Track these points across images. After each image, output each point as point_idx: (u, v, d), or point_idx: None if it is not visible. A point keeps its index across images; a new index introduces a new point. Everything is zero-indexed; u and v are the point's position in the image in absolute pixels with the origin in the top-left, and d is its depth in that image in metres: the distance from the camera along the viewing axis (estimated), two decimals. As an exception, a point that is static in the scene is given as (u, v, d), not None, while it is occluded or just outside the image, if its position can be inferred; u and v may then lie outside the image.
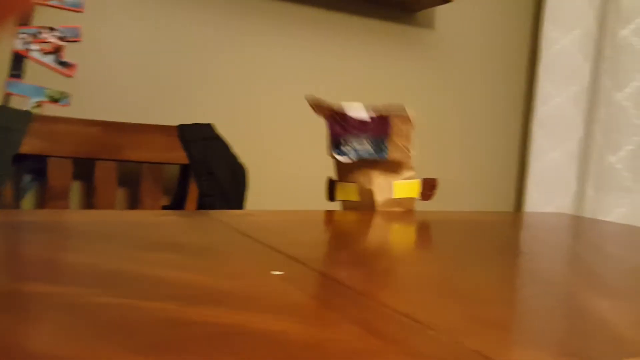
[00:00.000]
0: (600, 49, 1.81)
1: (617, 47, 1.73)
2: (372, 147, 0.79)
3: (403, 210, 0.84)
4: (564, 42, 1.86)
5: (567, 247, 0.65)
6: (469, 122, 2.02)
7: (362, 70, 1.79)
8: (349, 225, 0.67)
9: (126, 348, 0.24)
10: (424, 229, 0.70)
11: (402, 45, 1.86)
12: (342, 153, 0.80)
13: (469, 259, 0.52)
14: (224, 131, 1.57)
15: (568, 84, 1.86)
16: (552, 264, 0.53)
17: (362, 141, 0.79)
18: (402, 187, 0.83)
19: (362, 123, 0.79)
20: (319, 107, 0.81)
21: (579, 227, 0.84)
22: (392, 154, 0.80)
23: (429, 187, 0.87)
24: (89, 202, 1.43)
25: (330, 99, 1.74)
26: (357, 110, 0.79)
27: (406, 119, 0.80)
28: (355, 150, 0.80)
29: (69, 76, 1.42)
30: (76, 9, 1.41)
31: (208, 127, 1.44)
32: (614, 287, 0.43)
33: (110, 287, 0.33)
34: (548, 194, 1.89)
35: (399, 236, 0.63)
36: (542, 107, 1.89)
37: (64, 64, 1.42)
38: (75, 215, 0.58)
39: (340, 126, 0.79)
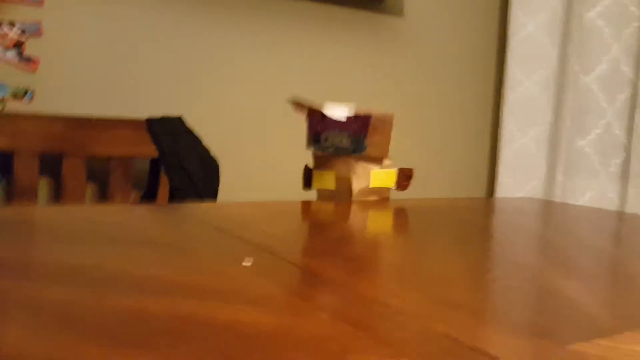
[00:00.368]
0: (567, 32, 1.83)
1: (583, 30, 1.75)
2: (351, 144, 0.79)
3: (377, 199, 0.84)
4: (530, 27, 1.88)
5: (537, 231, 0.65)
6: (439, 109, 2.03)
7: (331, 59, 1.78)
8: (320, 215, 0.67)
9: (90, 342, 0.23)
10: (396, 217, 0.70)
11: (370, 33, 1.86)
12: (320, 149, 0.80)
13: (440, 245, 0.52)
14: (194, 124, 1.55)
15: (536, 69, 1.88)
16: (522, 247, 0.53)
17: (341, 139, 0.79)
18: (379, 176, 0.83)
19: (341, 122, 0.79)
20: (300, 107, 0.81)
21: (549, 211, 0.85)
22: (371, 151, 0.80)
23: (404, 178, 0.87)
24: (57, 198, 1.40)
25: (299, 87, 1.73)
26: (338, 111, 0.78)
27: (387, 120, 0.80)
28: (334, 145, 0.80)
29: (32, 72, 1.39)
30: (36, 3, 1.37)
31: (177, 120, 1.42)
32: (583, 268, 0.44)
33: (75, 283, 0.32)
34: (519, 179, 1.92)
35: (370, 225, 0.63)
36: (511, 93, 1.91)
37: (26, 59, 1.38)
38: (40, 212, 0.57)
39: (320, 124, 0.79)
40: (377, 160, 0.82)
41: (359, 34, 1.83)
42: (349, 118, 0.78)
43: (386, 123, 0.80)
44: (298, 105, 0.80)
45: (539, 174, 1.92)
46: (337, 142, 0.79)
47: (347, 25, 1.80)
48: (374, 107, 1.86)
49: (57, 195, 1.41)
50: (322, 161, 0.83)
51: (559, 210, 0.87)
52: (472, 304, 0.32)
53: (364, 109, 0.80)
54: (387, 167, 0.84)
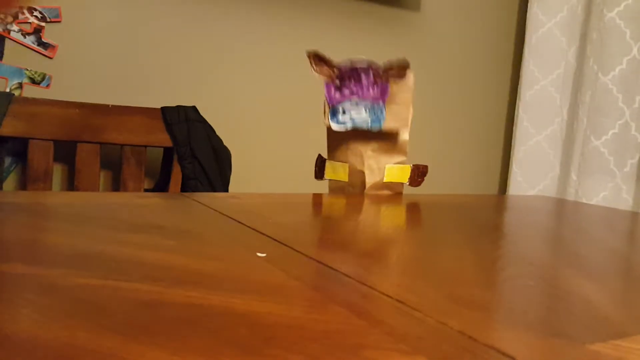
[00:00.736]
0: (586, 31, 1.81)
1: (603, 30, 1.73)
2: (368, 114, 0.78)
3: (390, 194, 0.84)
4: (550, 25, 1.86)
5: (551, 230, 0.65)
6: (454, 106, 2.02)
7: (347, 53, 1.78)
8: (334, 208, 0.67)
9: (104, 328, 0.23)
10: (410, 212, 0.70)
11: (387, 28, 1.85)
12: (338, 122, 0.78)
13: (454, 241, 0.52)
14: (207, 114, 1.55)
15: (553, 68, 1.86)
16: (536, 246, 0.53)
17: (359, 109, 0.78)
18: (393, 172, 0.83)
19: (360, 88, 0.77)
20: (319, 61, 0.79)
21: (562, 209, 0.85)
22: (389, 123, 0.78)
23: (419, 174, 0.87)
24: (71, 184, 1.41)
25: (312, 80, 1.72)
26: (359, 64, 0.77)
27: (407, 83, 0.78)
28: (352, 119, 0.78)
29: (49, 57, 1.39)
30: (56, -13, 1.38)
31: (192, 109, 1.42)
32: (598, 269, 0.44)
33: (90, 268, 0.32)
34: (532, 177, 1.90)
35: (384, 219, 0.63)
36: (527, 91, 1.89)
37: (44, 44, 1.39)
38: (55, 197, 0.57)
39: (338, 92, 0.78)
40: (395, 134, 0.81)
41: (375, 28, 1.82)
42: (367, 82, 0.77)
43: (406, 87, 0.78)
44: (317, 59, 0.78)
45: (552, 172, 1.90)
46: (354, 115, 0.78)
47: (363, 19, 1.79)
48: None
49: (71, 181, 1.42)
50: (336, 146, 0.83)
51: (573, 209, 0.86)
52: (487, 302, 0.32)
53: (383, 67, 0.77)
54: (402, 162, 0.84)
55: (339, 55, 1.77)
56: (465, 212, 0.73)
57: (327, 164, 0.84)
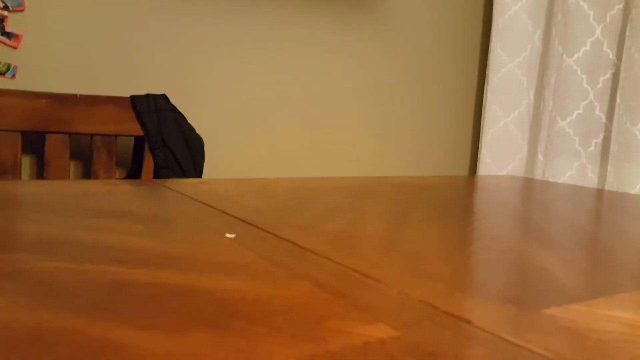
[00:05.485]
0: (551, 14, 1.84)
1: (567, 12, 1.76)
2: None
3: (363, 177, 0.85)
4: (516, 9, 1.88)
5: (517, 207, 0.67)
6: (423, 90, 2.03)
7: (313, 37, 1.77)
8: (303, 191, 0.67)
9: (70, 309, 0.23)
10: (379, 193, 0.71)
11: (355, 11, 1.85)
12: None
13: (422, 220, 0.53)
14: (178, 102, 1.54)
15: (520, 51, 1.89)
16: (502, 223, 0.54)
17: None
18: None
19: None
20: None
21: (529, 188, 0.87)
22: None
23: None
24: (40, 176, 1.39)
25: (281, 66, 1.72)
26: None
27: None
28: None
29: (14, 47, 1.36)
30: (17, -25, 1.34)
31: (161, 97, 1.41)
32: (560, 242, 0.45)
33: (55, 253, 0.32)
34: (501, 159, 1.94)
35: (354, 201, 0.64)
36: (495, 74, 1.92)
37: (8, 34, 1.35)
38: (22, 186, 0.57)
39: None
40: None
41: (341, 13, 1.82)
42: None
43: None
44: None
45: (520, 154, 1.94)
46: None
47: (329, 5, 1.79)
48: (356, 87, 1.86)
49: (40, 173, 1.39)
50: None
51: (539, 187, 0.88)
52: (449, 275, 0.33)
53: None
54: None
55: (307, 41, 1.77)
56: (434, 192, 0.74)
57: None
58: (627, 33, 1.63)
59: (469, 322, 0.24)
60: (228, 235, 0.38)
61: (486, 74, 1.98)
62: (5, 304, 0.24)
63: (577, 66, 1.74)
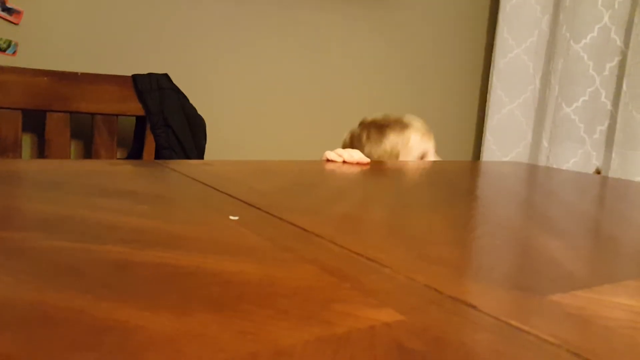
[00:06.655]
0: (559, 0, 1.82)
1: (576, -2, 1.74)
2: None
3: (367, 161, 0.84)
4: (523, -6, 1.86)
5: (521, 193, 0.66)
6: (428, 74, 2.02)
7: (321, 27, 1.76)
8: (308, 174, 0.67)
9: (75, 288, 0.23)
10: (384, 178, 0.70)
11: (363, -5, 1.83)
12: None
13: (427, 205, 0.53)
14: (180, 82, 1.53)
15: (527, 36, 1.87)
16: (506, 208, 0.54)
17: None
18: None
19: None
20: None
21: (533, 174, 0.86)
22: None
23: None
24: (41, 155, 1.39)
25: (285, 48, 1.71)
26: None
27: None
28: None
29: (15, 23, 1.35)
30: (19, -50, 1.32)
31: (164, 77, 1.40)
32: (565, 229, 0.45)
33: (60, 232, 0.32)
34: (505, 145, 1.93)
35: (359, 185, 0.63)
36: (501, 59, 1.90)
37: (9, 10, 1.34)
38: (26, 164, 0.56)
39: None
40: None
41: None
42: None
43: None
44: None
45: (525, 140, 1.93)
46: None
47: (337, -16, 1.77)
48: (361, 70, 1.84)
49: (41, 152, 1.39)
50: None
51: (543, 173, 0.88)
52: (455, 260, 0.33)
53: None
54: None
55: (313, 29, 1.75)
56: (438, 177, 0.74)
57: None
58: (635, 20, 1.61)
59: (474, 307, 0.24)
60: (232, 218, 0.38)
61: (492, 58, 1.96)
62: (10, 282, 0.24)
63: (584, 52, 1.72)
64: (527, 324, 0.23)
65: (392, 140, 0.99)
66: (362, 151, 1.04)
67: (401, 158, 0.98)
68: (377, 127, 1.02)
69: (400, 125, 1.02)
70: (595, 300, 0.27)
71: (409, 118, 1.05)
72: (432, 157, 1.03)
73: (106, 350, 0.18)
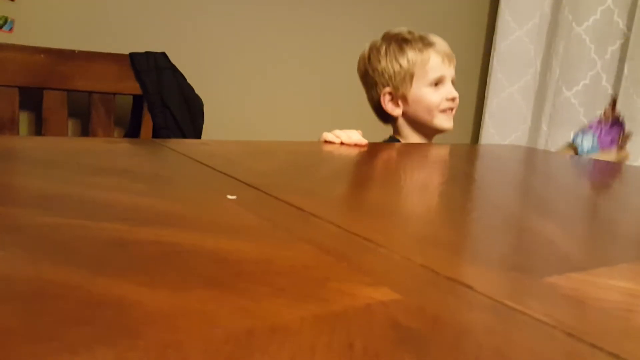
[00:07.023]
0: (561, -18, 1.80)
1: (578, -20, 1.72)
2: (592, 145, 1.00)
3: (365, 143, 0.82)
4: (526, -25, 1.84)
5: (519, 176, 0.66)
6: (429, 56, 2.01)
7: (322, 4, 1.74)
8: (305, 155, 0.67)
9: (71, 263, 0.23)
10: (382, 160, 0.70)
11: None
12: (575, 143, 1.01)
13: (423, 186, 0.53)
14: (177, 61, 1.51)
15: (529, 18, 1.85)
16: (504, 191, 0.54)
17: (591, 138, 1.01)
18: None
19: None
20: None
21: (532, 158, 0.86)
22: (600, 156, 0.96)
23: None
24: (38, 133, 1.38)
25: (283, 27, 1.69)
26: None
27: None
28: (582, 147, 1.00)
29: (11, 0, 1.33)
30: None
31: (161, 55, 1.38)
32: (562, 211, 0.45)
33: (56, 209, 0.32)
34: (504, 129, 1.92)
35: (357, 167, 0.63)
36: (502, 42, 1.88)
37: (4, -14, 1.32)
38: (23, 141, 0.56)
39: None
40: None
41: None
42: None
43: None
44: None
45: (524, 124, 1.93)
46: (585, 143, 1.01)
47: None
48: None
49: (38, 130, 1.38)
50: None
51: (542, 157, 0.88)
52: (452, 241, 0.33)
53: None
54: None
55: (309, 4, 1.73)
56: (437, 160, 0.74)
57: None
58: (639, 2, 1.60)
59: (470, 287, 0.24)
60: (229, 197, 0.38)
61: (493, 40, 1.95)
62: (6, 257, 0.24)
63: (586, 35, 1.71)
64: (523, 305, 0.23)
65: (409, 58, 0.93)
66: (378, 65, 0.97)
67: (415, 80, 0.92)
68: (397, 42, 0.96)
69: (422, 43, 0.95)
70: (591, 282, 0.27)
71: (433, 38, 0.97)
72: (448, 85, 0.96)
73: (103, 324, 0.18)
